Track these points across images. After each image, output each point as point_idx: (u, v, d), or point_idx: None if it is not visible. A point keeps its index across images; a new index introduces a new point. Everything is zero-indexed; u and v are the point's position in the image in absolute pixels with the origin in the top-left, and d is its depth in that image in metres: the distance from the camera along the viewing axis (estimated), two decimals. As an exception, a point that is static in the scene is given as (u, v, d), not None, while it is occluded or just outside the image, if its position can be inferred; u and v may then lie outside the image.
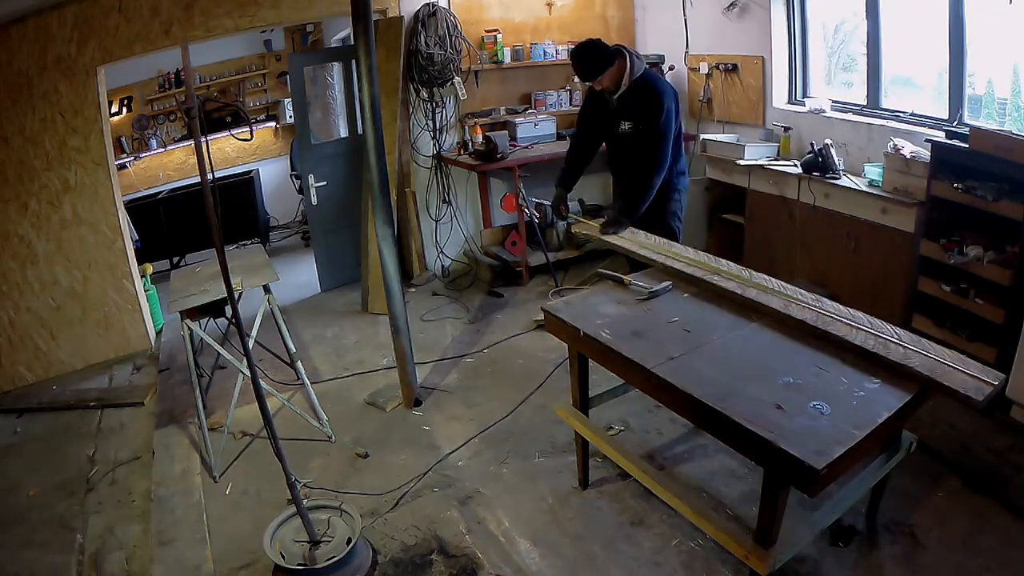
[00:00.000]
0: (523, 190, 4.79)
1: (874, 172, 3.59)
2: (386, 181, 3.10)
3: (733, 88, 4.77)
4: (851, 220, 3.66)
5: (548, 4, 5.18)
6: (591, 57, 3.02)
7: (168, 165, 6.77)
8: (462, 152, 4.95)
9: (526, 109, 5.21)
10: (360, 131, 4.65)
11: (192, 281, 3.16)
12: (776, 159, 4.24)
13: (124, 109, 6.53)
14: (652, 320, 2.31)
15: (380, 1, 4.51)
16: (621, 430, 3.08)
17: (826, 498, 2.05)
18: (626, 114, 3.12)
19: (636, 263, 2.98)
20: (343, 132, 5.39)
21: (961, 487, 2.56)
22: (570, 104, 5.34)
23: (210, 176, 1.86)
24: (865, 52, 3.99)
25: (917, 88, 3.90)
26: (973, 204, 2.97)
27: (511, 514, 2.62)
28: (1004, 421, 2.93)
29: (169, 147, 6.73)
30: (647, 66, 3.16)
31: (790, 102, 4.56)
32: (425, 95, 4.84)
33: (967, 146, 3.00)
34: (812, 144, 3.93)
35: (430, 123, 4.91)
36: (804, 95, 4.49)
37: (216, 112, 6.85)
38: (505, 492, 2.75)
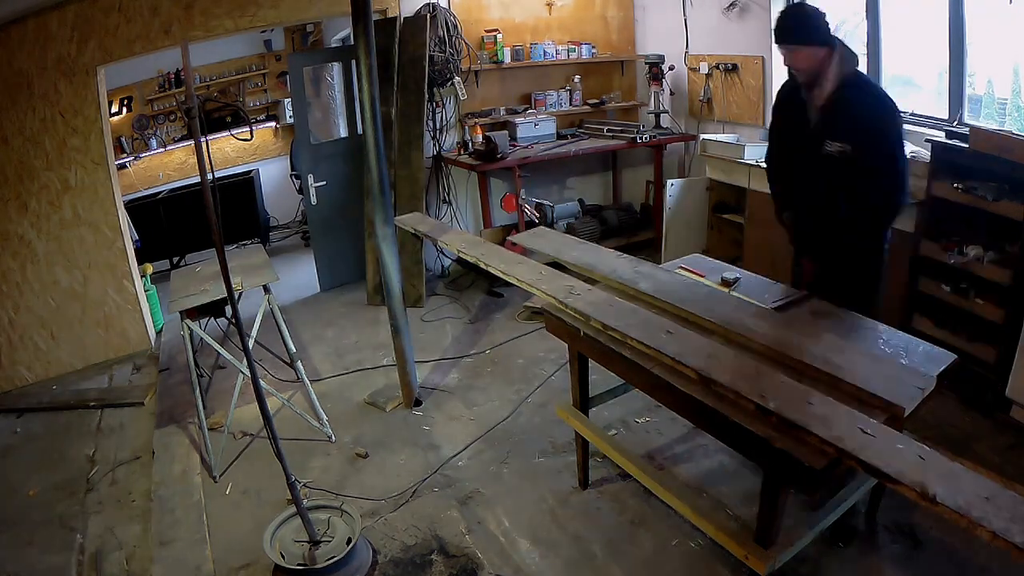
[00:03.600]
0: (523, 190, 4.79)
1: (874, 172, 3.58)
2: (386, 181, 3.10)
3: (733, 88, 4.77)
4: (851, 220, 3.65)
5: (548, 4, 5.18)
6: (801, 19, 2.35)
7: (168, 165, 6.77)
8: (462, 152, 4.95)
9: (526, 109, 5.21)
10: (360, 131, 4.65)
11: (192, 281, 3.16)
12: (776, 159, 4.24)
13: (124, 109, 6.53)
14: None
15: (380, 1, 4.51)
16: (621, 431, 3.08)
17: (826, 498, 2.05)
18: (836, 131, 2.33)
19: None
20: (343, 132, 5.38)
21: (961, 487, 2.55)
22: (570, 104, 5.35)
23: (210, 176, 1.86)
24: (865, 52, 3.99)
25: (917, 88, 3.90)
26: (973, 204, 2.97)
27: (511, 514, 2.62)
28: (1004, 421, 2.94)
29: (169, 147, 6.73)
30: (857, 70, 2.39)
31: (790, 102, 4.56)
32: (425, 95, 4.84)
33: (967, 146, 3.00)
34: (812, 144, 3.93)
35: (430, 123, 4.91)
36: (804, 95, 4.49)
37: (216, 112, 6.85)
38: (505, 492, 2.75)
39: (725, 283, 2.51)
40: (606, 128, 5.21)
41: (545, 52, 5.12)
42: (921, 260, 3.29)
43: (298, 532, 2.38)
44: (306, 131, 4.82)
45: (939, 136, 3.31)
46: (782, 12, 2.45)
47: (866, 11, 3.89)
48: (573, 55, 5.23)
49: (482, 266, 2.71)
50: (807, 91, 2.43)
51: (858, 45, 4.10)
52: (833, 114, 2.34)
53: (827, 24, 2.37)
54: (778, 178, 2.76)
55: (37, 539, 2.71)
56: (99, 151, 3.95)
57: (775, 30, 2.40)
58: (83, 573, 2.51)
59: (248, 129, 6.13)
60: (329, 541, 2.35)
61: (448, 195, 5.14)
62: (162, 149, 6.70)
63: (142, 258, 4.71)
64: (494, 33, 4.93)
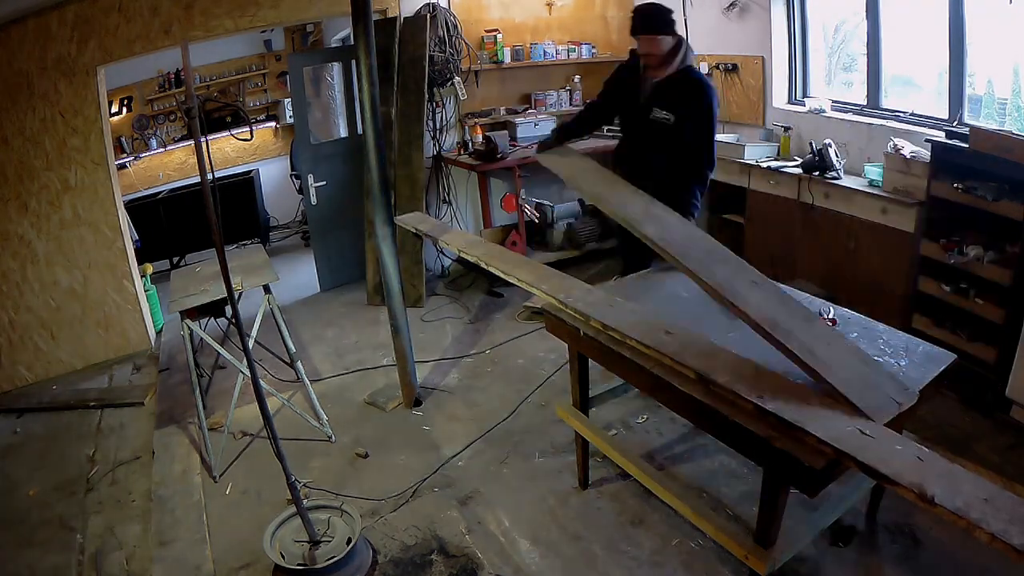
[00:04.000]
0: (523, 190, 4.79)
1: (874, 172, 3.59)
2: (386, 181, 3.10)
3: (733, 88, 4.77)
4: (851, 220, 3.66)
5: (548, 4, 5.18)
6: (656, 13, 2.84)
7: (168, 165, 6.77)
8: (462, 152, 4.95)
9: (526, 109, 5.21)
10: (360, 131, 4.65)
11: (192, 281, 3.16)
12: (776, 159, 4.24)
13: (124, 109, 6.53)
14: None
15: (380, 1, 4.51)
16: (621, 431, 3.08)
17: (826, 498, 2.05)
18: (663, 103, 2.91)
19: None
20: (343, 132, 5.38)
21: (961, 487, 2.56)
22: (570, 104, 5.35)
23: (210, 176, 1.86)
24: (865, 52, 3.99)
25: (917, 88, 3.90)
26: (973, 204, 2.97)
27: (511, 514, 2.62)
28: (1004, 421, 2.94)
29: (169, 147, 6.73)
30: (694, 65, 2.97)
31: (790, 102, 4.56)
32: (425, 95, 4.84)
33: (967, 146, 3.00)
34: (812, 144, 3.93)
35: (430, 123, 4.90)
36: (804, 95, 4.49)
37: (216, 112, 6.84)
38: (505, 492, 2.75)
39: None
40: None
41: (545, 52, 5.12)
42: (921, 260, 3.29)
43: (298, 532, 2.38)
44: (306, 131, 4.82)
45: (939, 136, 3.31)
46: (638, 8, 2.89)
47: (866, 11, 3.89)
48: (573, 55, 5.22)
49: (483, 266, 2.71)
50: (648, 71, 2.94)
51: (858, 45, 4.11)
52: (664, 91, 2.90)
53: (674, 20, 2.86)
54: (582, 125, 3.32)
55: (37, 539, 2.71)
56: (99, 151, 3.95)
57: (635, 23, 2.86)
58: (83, 573, 2.51)
59: (248, 129, 6.15)
60: (329, 541, 2.35)
61: (448, 195, 5.14)
62: (162, 149, 6.69)
63: (142, 258, 4.71)
64: (494, 33, 4.93)
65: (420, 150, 4.60)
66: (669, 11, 2.85)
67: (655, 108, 2.93)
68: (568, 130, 3.26)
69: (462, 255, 2.89)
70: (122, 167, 6.15)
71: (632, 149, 3.17)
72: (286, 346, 3.26)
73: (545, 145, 3.21)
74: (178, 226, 5.96)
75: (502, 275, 2.61)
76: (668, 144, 2.95)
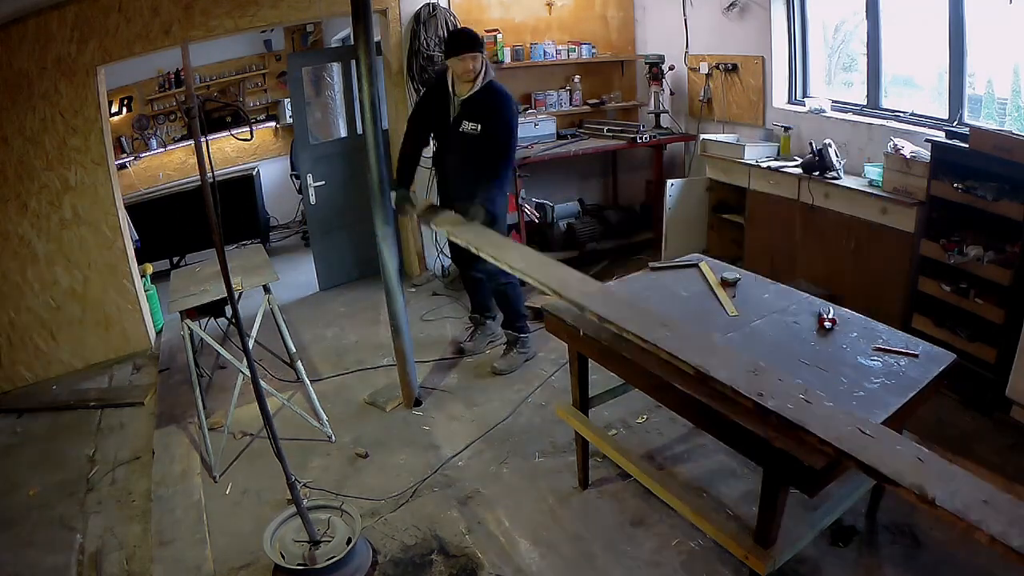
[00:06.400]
0: (523, 190, 4.79)
1: (874, 172, 3.59)
2: (386, 181, 3.10)
3: (733, 88, 4.77)
4: (851, 220, 3.66)
5: (548, 4, 5.18)
6: (473, 34, 3.32)
7: (168, 165, 6.77)
8: (462, 152, 4.93)
9: (526, 109, 5.21)
10: (360, 131, 4.65)
11: (192, 281, 3.16)
12: (776, 159, 4.24)
13: (124, 109, 6.53)
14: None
15: (380, 1, 4.51)
16: (621, 431, 3.08)
17: (826, 498, 2.05)
18: (471, 116, 3.33)
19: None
20: (343, 132, 5.38)
21: (961, 487, 2.55)
22: (570, 104, 5.35)
23: (210, 176, 1.86)
24: (865, 52, 3.99)
25: (917, 88, 3.90)
26: (973, 204, 2.97)
27: (511, 514, 2.62)
28: (1004, 421, 2.94)
29: (169, 147, 6.73)
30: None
31: (790, 102, 4.56)
32: (425, 95, 4.81)
33: (967, 146, 3.00)
34: (812, 144, 3.93)
35: (430, 123, 4.89)
36: (804, 95, 4.49)
37: (216, 112, 6.84)
38: (505, 492, 2.75)
39: (725, 283, 2.52)
40: (606, 128, 5.21)
41: (545, 52, 5.12)
42: (921, 260, 3.29)
43: (298, 532, 2.38)
44: (306, 131, 4.82)
45: (939, 136, 3.31)
46: (458, 32, 3.45)
47: (866, 11, 3.89)
48: (573, 55, 5.22)
49: (473, 251, 2.65)
50: (459, 87, 3.34)
51: (858, 45, 4.11)
52: (471, 107, 3.32)
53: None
54: (410, 158, 3.54)
55: (37, 539, 2.71)
56: (99, 151, 3.95)
57: (457, 44, 3.25)
58: (83, 573, 2.51)
59: (248, 129, 6.16)
60: (329, 541, 2.35)
61: (448, 195, 5.13)
62: (162, 149, 6.70)
63: (142, 258, 4.71)
64: (494, 33, 4.93)
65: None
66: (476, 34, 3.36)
67: (464, 122, 3.35)
68: (405, 172, 3.51)
69: (451, 238, 2.83)
70: (122, 167, 6.15)
71: (447, 160, 3.60)
72: (286, 346, 3.26)
73: (402, 196, 3.38)
74: (178, 226, 5.95)
75: (493, 260, 2.53)
76: (474, 150, 3.34)
